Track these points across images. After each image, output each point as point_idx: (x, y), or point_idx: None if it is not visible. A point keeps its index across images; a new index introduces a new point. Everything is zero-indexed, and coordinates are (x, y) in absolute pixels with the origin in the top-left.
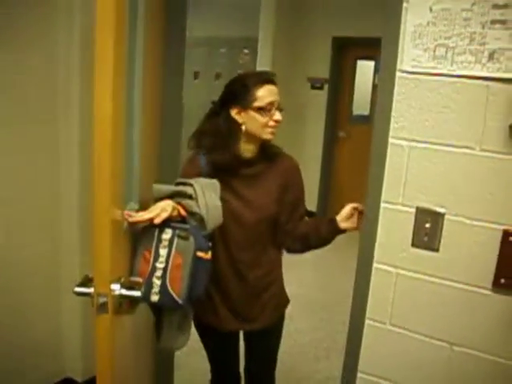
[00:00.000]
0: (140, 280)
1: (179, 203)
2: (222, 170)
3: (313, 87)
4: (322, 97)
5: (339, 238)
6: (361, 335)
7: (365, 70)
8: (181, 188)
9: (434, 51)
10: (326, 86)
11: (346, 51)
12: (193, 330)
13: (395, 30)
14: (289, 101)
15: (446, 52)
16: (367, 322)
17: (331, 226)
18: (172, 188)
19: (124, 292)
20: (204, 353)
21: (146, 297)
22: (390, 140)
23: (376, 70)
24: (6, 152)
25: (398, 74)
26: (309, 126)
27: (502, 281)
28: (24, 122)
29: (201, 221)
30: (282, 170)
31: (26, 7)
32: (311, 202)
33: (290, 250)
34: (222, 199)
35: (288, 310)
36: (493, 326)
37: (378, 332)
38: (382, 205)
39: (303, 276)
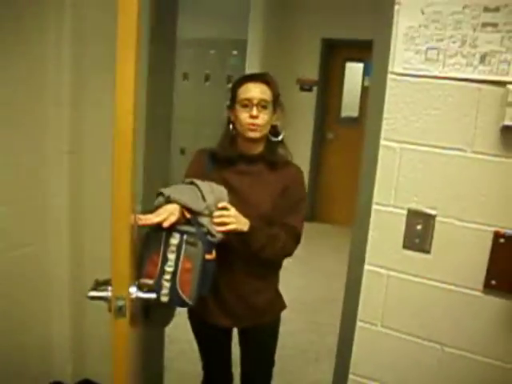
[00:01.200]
0: (151, 282)
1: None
2: (222, 164)
3: (302, 89)
4: (310, 99)
5: (330, 241)
6: (352, 337)
7: (354, 71)
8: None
9: (426, 53)
10: (315, 88)
11: (335, 53)
12: (182, 334)
13: (387, 32)
14: None
15: (438, 54)
16: (358, 323)
17: None
18: (183, 199)
19: (140, 295)
20: (194, 355)
21: (156, 298)
22: (382, 142)
23: (365, 72)
24: None
25: (389, 76)
26: (297, 127)
27: (493, 282)
28: (11, 123)
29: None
30: (285, 174)
31: (15, 7)
32: None
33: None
34: None
35: None
36: (484, 327)
37: (370, 334)
38: (374, 206)
39: (293, 279)
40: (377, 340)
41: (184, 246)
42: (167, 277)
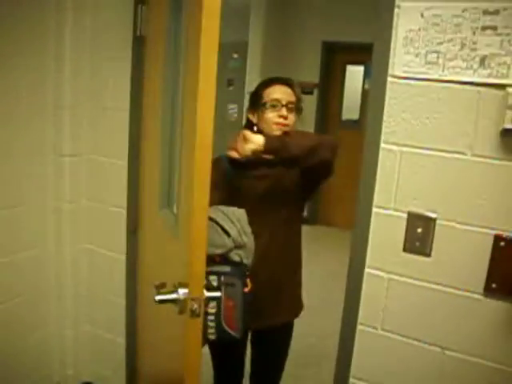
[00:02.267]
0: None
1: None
2: (243, 169)
3: (303, 92)
4: (311, 102)
5: (331, 244)
6: (353, 340)
7: (354, 74)
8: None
9: (426, 57)
10: (316, 91)
11: (336, 56)
12: None
13: (387, 35)
14: None
15: (438, 57)
16: (359, 327)
17: None
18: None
19: (209, 294)
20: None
21: (203, 338)
22: (382, 145)
23: (365, 75)
24: None
25: (389, 79)
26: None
27: (494, 285)
28: (13, 125)
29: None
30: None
31: (16, 7)
32: None
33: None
34: (240, 198)
35: None
36: (484, 330)
37: (370, 337)
38: (374, 210)
39: None
40: (377, 343)
41: (223, 288)
42: (211, 317)
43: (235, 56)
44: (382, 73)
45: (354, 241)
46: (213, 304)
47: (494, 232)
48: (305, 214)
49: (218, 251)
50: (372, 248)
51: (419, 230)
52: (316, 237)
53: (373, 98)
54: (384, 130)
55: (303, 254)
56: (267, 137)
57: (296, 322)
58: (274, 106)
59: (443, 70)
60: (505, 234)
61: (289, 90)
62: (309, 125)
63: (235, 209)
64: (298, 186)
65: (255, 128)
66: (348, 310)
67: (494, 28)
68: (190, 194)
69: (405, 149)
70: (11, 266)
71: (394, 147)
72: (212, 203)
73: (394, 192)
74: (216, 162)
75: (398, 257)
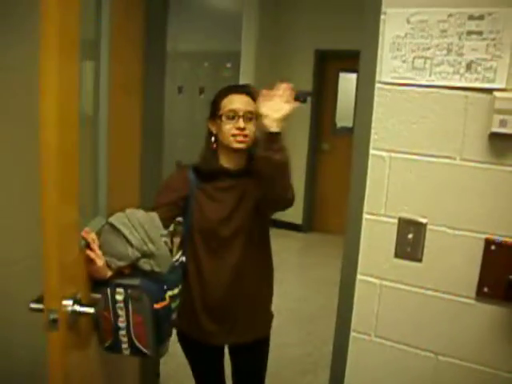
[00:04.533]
0: (99, 296)
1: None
2: (207, 180)
3: (295, 99)
4: (305, 109)
5: (327, 251)
6: (346, 348)
7: (347, 82)
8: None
9: (413, 62)
10: (310, 99)
11: (329, 64)
12: (179, 348)
13: (373, 41)
14: None
15: (425, 63)
16: (352, 334)
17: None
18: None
19: (78, 309)
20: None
21: (117, 351)
22: (371, 151)
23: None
24: None
25: (377, 85)
26: (292, 138)
27: (485, 289)
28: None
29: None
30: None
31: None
32: (296, 215)
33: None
34: (203, 211)
35: (274, 324)
36: (477, 334)
37: (364, 344)
38: (365, 216)
39: (290, 289)
40: (371, 350)
41: (130, 302)
42: (123, 332)
43: (228, 65)
44: (369, 79)
45: (345, 248)
46: (122, 318)
47: (485, 236)
48: (300, 221)
49: (121, 263)
50: (363, 254)
51: (410, 236)
52: (311, 244)
53: (361, 105)
54: (373, 136)
55: (299, 262)
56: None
57: (292, 330)
58: (230, 118)
59: (430, 75)
60: (495, 238)
61: (246, 99)
62: (303, 132)
63: (139, 212)
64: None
65: (213, 138)
66: (341, 317)
67: (480, 33)
68: (41, 202)
69: (394, 154)
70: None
71: (383, 153)
72: (158, 205)
73: (384, 198)
74: (181, 172)
75: (390, 263)
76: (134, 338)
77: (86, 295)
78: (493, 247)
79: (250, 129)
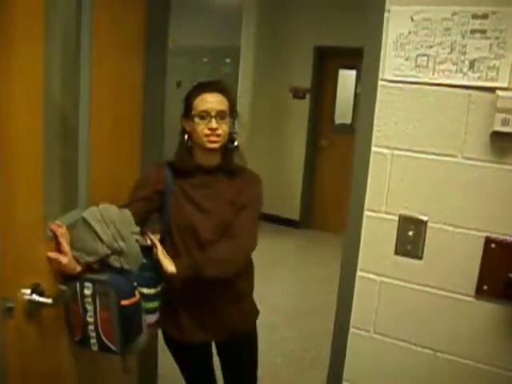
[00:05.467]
0: (65, 288)
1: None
2: (182, 177)
3: (295, 97)
4: (304, 106)
5: (326, 248)
6: (345, 344)
7: (347, 79)
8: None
9: (416, 60)
10: (308, 96)
11: (328, 60)
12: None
13: (377, 39)
14: (271, 110)
15: (428, 61)
16: (351, 330)
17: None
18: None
19: (36, 298)
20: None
21: (86, 346)
22: (373, 148)
23: (358, 79)
24: None
25: (380, 82)
26: (291, 135)
27: (485, 287)
28: None
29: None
30: (241, 180)
31: None
32: (294, 212)
33: None
34: (180, 207)
35: (272, 320)
36: (476, 332)
37: (363, 340)
38: (366, 213)
39: (287, 286)
40: (370, 346)
41: (97, 297)
42: (91, 327)
43: (227, 61)
44: (372, 76)
45: (345, 244)
46: (90, 313)
47: (485, 234)
48: (297, 218)
49: (90, 259)
50: (364, 251)
51: (410, 233)
52: (310, 241)
53: (363, 102)
54: (375, 133)
55: (297, 259)
56: (178, 265)
57: (290, 326)
58: (202, 118)
59: (433, 74)
60: (495, 236)
61: (219, 98)
62: (302, 129)
63: (112, 208)
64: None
65: (186, 136)
66: (340, 313)
67: (483, 31)
68: None
69: (396, 152)
70: None
71: (385, 150)
72: (133, 199)
73: (385, 195)
74: (157, 167)
75: (390, 260)
76: (101, 333)
77: (52, 287)
78: (493, 245)
79: (223, 128)
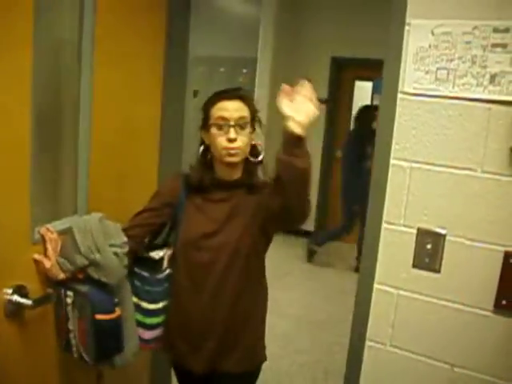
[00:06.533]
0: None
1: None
2: (197, 191)
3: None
4: (320, 117)
5: (339, 258)
6: (361, 356)
7: (363, 90)
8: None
9: (436, 73)
10: (324, 106)
11: (345, 72)
12: None
13: (397, 52)
14: None
15: (448, 74)
16: (367, 343)
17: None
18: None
19: (17, 299)
20: None
21: (70, 352)
22: (392, 161)
23: (374, 91)
24: None
25: (399, 95)
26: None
27: (504, 302)
28: None
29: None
30: (259, 193)
31: None
32: (308, 222)
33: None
34: (189, 222)
35: (287, 331)
36: (494, 347)
37: (378, 353)
38: (384, 225)
39: (301, 296)
40: (386, 360)
41: (77, 306)
42: (72, 334)
43: (244, 71)
44: (392, 89)
45: (363, 256)
46: (71, 321)
47: (504, 249)
48: (312, 228)
49: (71, 268)
50: (381, 264)
51: (429, 246)
52: (324, 252)
53: (383, 115)
54: (394, 146)
55: (311, 269)
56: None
57: (305, 337)
58: (221, 128)
59: (453, 87)
60: None
61: (239, 105)
62: (317, 140)
63: (93, 218)
64: (260, 217)
65: (201, 148)
66: (356, 326)
67: (504, 46)
68: None
69: (414, 165)
70: None
71: (404, 163)
72: (143, 209)
73: (403, 208)
74: (174, 179)
75: (408, 273)
76: (78, 342)
77: (39, 290)
78: None
79: (243, 139)
